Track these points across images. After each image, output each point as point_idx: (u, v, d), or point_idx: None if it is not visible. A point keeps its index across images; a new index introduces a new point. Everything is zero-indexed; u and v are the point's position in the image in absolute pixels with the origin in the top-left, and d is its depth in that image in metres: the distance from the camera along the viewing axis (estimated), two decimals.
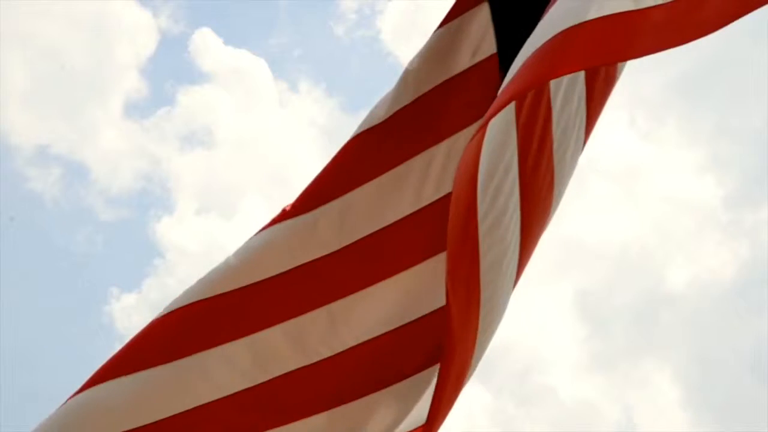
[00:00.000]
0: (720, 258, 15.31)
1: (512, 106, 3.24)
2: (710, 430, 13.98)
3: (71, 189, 15.35)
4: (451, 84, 3.58)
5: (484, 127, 2.81)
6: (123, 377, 3.37)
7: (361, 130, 3.56)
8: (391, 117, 3.55)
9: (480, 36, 3.59)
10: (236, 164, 16.08)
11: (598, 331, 15.31)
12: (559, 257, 14.64)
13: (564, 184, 3.57)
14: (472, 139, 2.87)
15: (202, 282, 3.46)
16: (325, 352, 3.43)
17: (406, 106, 3.56)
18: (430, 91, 3.57)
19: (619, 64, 3.64)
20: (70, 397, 3.40)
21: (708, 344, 14.97)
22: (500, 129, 3.27)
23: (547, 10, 2.84)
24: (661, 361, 14.90)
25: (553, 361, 14.84)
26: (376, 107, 3.59)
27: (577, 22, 2.63)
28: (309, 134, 16.62)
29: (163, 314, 3.43)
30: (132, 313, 14.32)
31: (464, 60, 3.59)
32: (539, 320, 14.66)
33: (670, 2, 2.63)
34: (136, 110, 16.95)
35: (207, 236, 15.39)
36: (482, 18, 3.60)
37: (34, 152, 15.27)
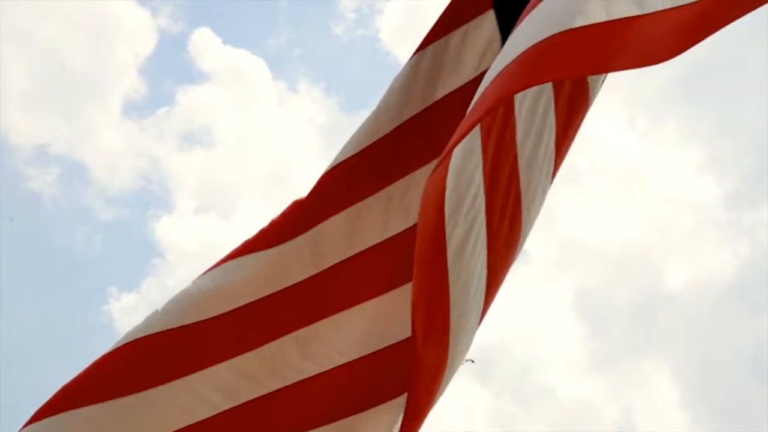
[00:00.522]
0: (720, 258, 15.33)
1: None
2: (710, 430, 13.99)
3: (70, 189, 15.38)
4: (454, 96, 3.50)
5: (449, 153, 2.70)
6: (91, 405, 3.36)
7: (364, 146, 3.49)
8: (394, 130, 3.49)
9: (485, 45, 3.51)
10: (235, 164, 16.11)
11: (597, 330, 15.34)
12: (559, 257, 14.68)
13: (534, 206, 3.47)
14: (437, 165, 2.76)
15: (168, 310, 3.44)
16: (302, 374, 3.43)
17: (409, 119, 3.50)
18: (433, 104, 3.51)
19: (592, 79, 3.51)
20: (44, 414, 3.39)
21: (708, 344, 14.98)
22: (466, 149, 3.19)
23: (527, 14, 2.72)
24: (661, 361, 14.92)
25: (552, 361, 14.85)
26: (378, 113, 3.52)
27: (565, 28, 2.52)
28: (308, 134, 16.64)
29: (137, 338, 3.40)
30: (132, 313, 14.34)
31: (468, 71, 3.51)
32: (539, 320, 14.69)
33: (676, 7, 2.59)
34: (135, 110, 17.00)
35: (206, 236, 15.41)
36: (488, 26, 3.52)
37: (34, 152, 15.30)
